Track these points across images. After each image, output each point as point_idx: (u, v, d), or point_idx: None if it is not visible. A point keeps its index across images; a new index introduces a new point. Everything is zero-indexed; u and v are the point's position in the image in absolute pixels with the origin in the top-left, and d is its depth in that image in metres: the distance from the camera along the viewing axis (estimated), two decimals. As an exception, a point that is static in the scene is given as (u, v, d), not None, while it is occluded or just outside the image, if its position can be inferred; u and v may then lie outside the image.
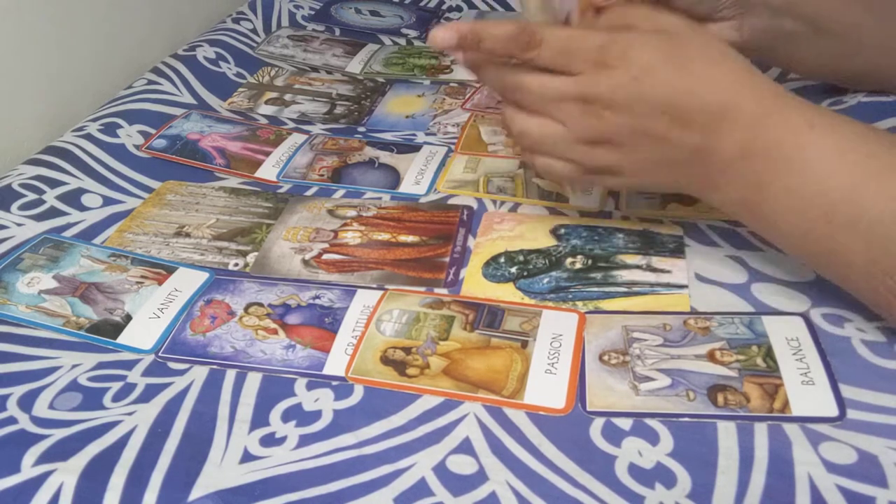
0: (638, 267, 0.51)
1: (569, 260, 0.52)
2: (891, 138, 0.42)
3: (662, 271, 0.51)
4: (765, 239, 0.52)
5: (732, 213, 0.47)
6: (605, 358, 0.45)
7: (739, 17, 0.53)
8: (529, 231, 0.56)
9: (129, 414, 0.42)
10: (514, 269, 0.52)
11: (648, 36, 0.44)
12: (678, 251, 0.52)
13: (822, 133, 0.42)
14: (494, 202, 0.59)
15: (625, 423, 0.41)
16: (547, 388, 0.43)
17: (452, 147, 0.67)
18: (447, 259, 0.54)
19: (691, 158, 0.44)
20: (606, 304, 0.49)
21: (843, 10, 0.55)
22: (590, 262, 0.52)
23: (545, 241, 0.55)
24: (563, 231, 0.55)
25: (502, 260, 0.53)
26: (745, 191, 0.44)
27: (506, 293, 0.50)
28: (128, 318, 0.49)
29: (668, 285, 0.50)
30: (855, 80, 0.61)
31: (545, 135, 0.46)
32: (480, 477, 0.38)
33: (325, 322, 0.49)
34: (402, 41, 0.91)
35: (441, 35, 0.45)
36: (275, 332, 0.48)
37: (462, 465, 0.39)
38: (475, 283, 0.51)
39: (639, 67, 0.43)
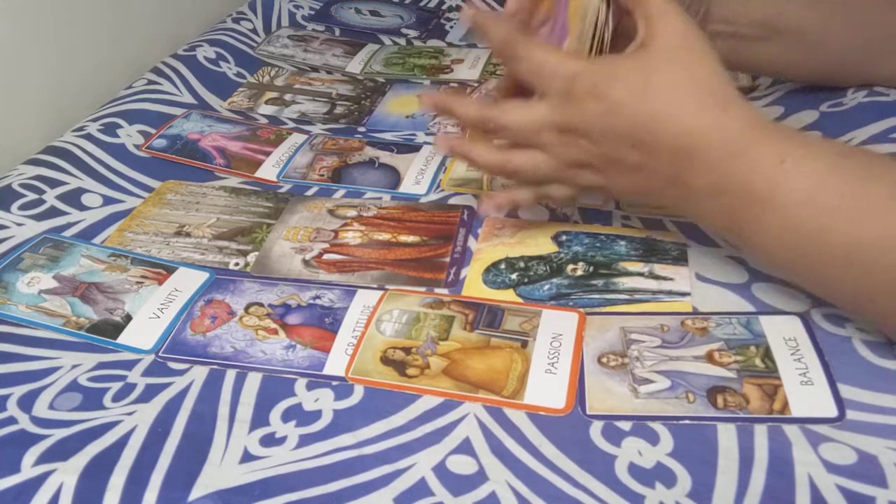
0: (640, 274, 0.51)
1: (570, 266, 0.52)
2: (863, 167, 0.41)
3: (665, 279, 0.50)
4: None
5: (721, 238, 0.48)
6: (604, 360, 0.45)
7: None
8: (531, 237, 0.55)
9: (129, 414, 0.42)
10: (514, 276, 0.52)
11: (620, 66, 0.44)
12: (681, 259, 0.52)
13: (792, 169, 0.40)
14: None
15: (625, 424, 0.41)
16: (547, 388, 0.43)
17: (452, 147, 0.67)
18: (447, 259, 0.54)
19: (668, 187, 0.45)
20: (608, 312, 0.49)
21: (799, 10, 0.56)
22: (591, 268, 0.52)
23: (546, 247, 0.54)
24: (564, 238, 0.55)
25: (503, 266, 0.53)
26: (722, 221, 0.44)
27: (506, 300, 0.51)
28: (128, 318, 0.49)
29: (670, 293, 0.49)
30: (825, 78, 0.62)
31: (536, 165, 0.48)
32: (480, 477, 0.38)
33: (326, 322, 0.49)
34: (402, 41, 0.91)
35: (466, 13, 0.48)
36: (275, 332, 0.48)
37: (462, 465, 0.39)
38: (475, 290, 0.51)
39: (608, 102, 0.43)
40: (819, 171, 0.40)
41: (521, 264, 0.53)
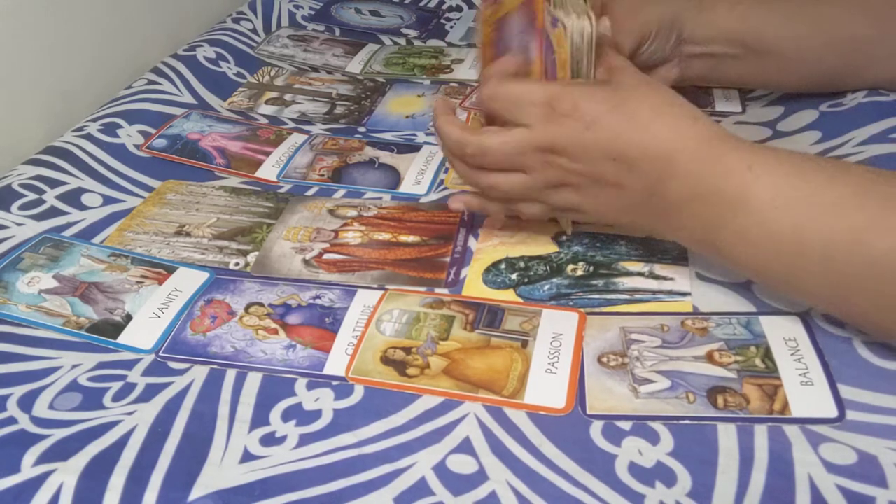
0: (640, 274, 0.51)
1: (570, 267, 0.52)
2: (828, 168, 0.43)
3: (665, 278, 0.50)
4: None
5: (698, 252, 0.48)
6: (604, 360, 0.45)
7: (676, 55, 0.58)
8: (531, 237, 0.55)
9: (129, 414, 0.42)
10: (514, 276, 0.52)
11: (596, 88, 0.47)
12: (681, 259, 0.52)
13: (760, 173, 0.42)
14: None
15: (625, 423, 0.41)
16: (547, 387, 0.43)
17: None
18: (448, 259, 0.54)
19: (645, 201, 0.46)
20: (608, 312, 0.49)
21: (775, 30, 0.58)
22: (591, 268, 0.52)
23: (547, 247, 0.54)
24: (564, 238, 0.55)
25: (503, 266, 0.53)
26: (699, 232, 0.45)
27: (506, 300, 0.50)
28: (128, 317, 0.49)
29: (670, 293, 0.49)
30: (803, 90, 0.64)
31: (512, 185, 0.49)
32: (480, 476, 0.38)
33: (326, 322, 0.49)
34: (402, 41, 0.91)
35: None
36: (275, 331, 0.48)
37: (462, 465, 0.39)
38: (475, 290, 0.51)
39: (588, 118, 0.45)
40: (786, 174, 0.42)
41: (522, 264, 0.53)
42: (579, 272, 0.52)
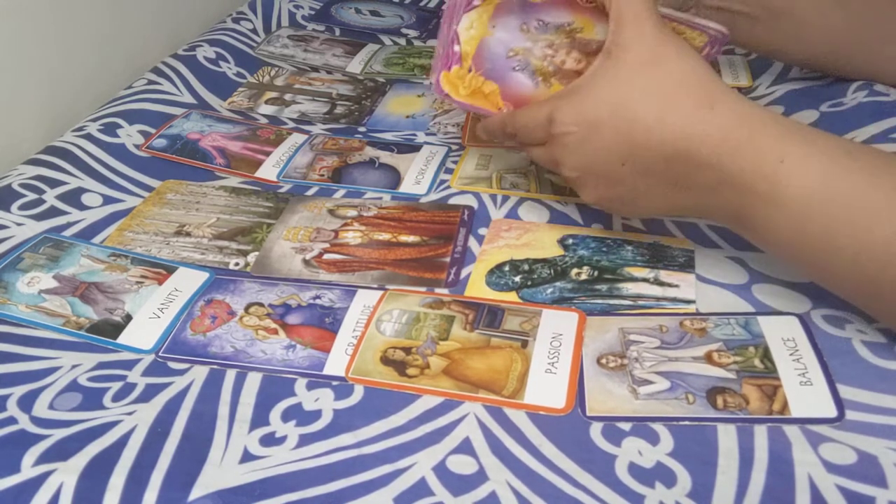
0: (645, 280, 0.51)
1: (574, 271, 0.52)
2: (868, 167, 0.40)
3: (670, 285, 0.50)
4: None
5: (734, 230, 0.47)
6: (603, 361, 0.45)
7: (693, 4, 0.56)
8: (537, 240, 0.55)
9: (129, 414, 0.42)
10: (517, 278, 0.52)
11: (591, 88, 0.44)
12: (688, 266, 0.51)
13: (794, 168, 0.39)
14: (495, 200, 0.59)
15: (625, 424, 0.41)
16: (547, 387, 0.43)
17: (452, 147, 0.67)
18: (448, 259, 0.54)
19: (669, 191, 0.45)
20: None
21: None
22: (596, 273, 0.51)
23: (552, 250, 0.54)
24: (570, 241, 0.55)
25: (507, 268, 0.53)
26: (731, 216, 0.44)
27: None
28: (128, 317, 0.49)
29: (674, 300, 0.49)
30: (815, 66, 0.62)
31: (543, 163, 0.52)
32: (480, 477, 0.38)
33: (326, 322, 0.49)
34: (402, 41, 0.91)
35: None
36: (275, 331, 0.48)
37: (462, 465, 0.39)
38: (478, 291, 0.51)
39: (585, 127, 0.44)
40: (821, 173, 0.39)
41: (526, 267, 0.53)
42: (583, 276, 0.51)
